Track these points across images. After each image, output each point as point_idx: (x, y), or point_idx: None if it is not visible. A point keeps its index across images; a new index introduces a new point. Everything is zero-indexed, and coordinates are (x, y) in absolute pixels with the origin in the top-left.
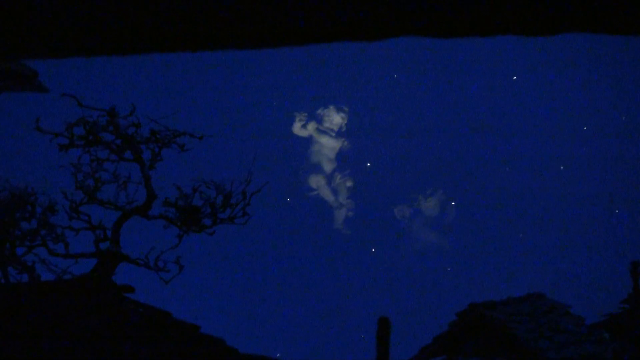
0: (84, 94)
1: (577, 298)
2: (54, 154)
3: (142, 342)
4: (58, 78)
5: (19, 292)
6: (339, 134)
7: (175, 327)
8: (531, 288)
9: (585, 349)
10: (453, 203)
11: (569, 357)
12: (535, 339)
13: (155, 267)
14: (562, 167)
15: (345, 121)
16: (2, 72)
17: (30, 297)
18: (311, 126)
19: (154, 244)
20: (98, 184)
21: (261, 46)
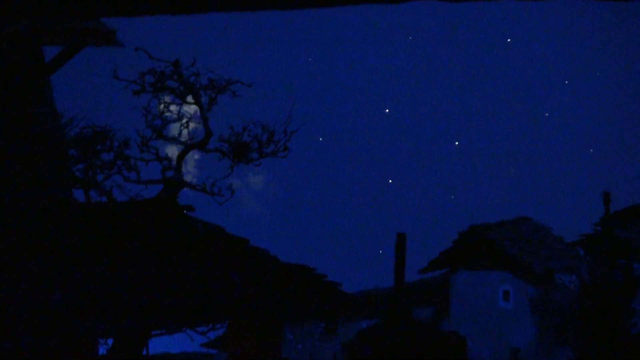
0: (154, 48)
1: (557, 220)
2: (128, 98)
3: (200, 251)
4: (133, 34)
5: (102, 212)
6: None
7: (228, 240)
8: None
9: (564, 263)
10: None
11: (551, 269)
12: (523, 254)
13: (211, 192)
14: (546, 115)
15: None
16: (86, 30)
17: (109, 216)
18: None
19: (210, 173)
20: (164, 123)
21: (290, 7)
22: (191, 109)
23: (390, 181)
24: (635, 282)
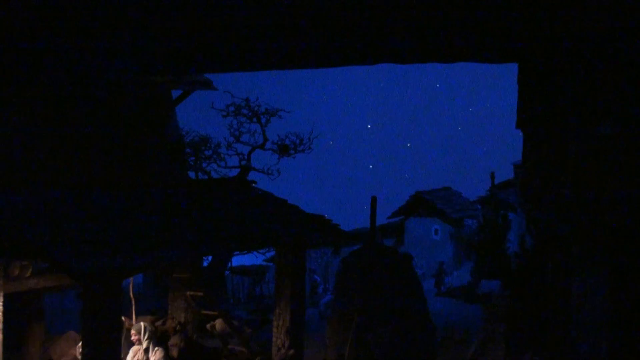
0: (235, 89)
1: (466, 188)
2: (219, 119)
3: (260, 206)
4: (223, 82)
5: (205, 185)
6: None
7: (273, 199)
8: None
9: (469, 213)
10: None
11: (461, 217)
12: (446, 208)
13: (267, 172)
14: (459, 128)
15: None
16: (194, 80)
17: (209, 187)
18: None
19: (266, 162)
20: (240, 133)
21: (287, 67)
22: (255, 125)
23: (371, 167)
24: (509, 224)
